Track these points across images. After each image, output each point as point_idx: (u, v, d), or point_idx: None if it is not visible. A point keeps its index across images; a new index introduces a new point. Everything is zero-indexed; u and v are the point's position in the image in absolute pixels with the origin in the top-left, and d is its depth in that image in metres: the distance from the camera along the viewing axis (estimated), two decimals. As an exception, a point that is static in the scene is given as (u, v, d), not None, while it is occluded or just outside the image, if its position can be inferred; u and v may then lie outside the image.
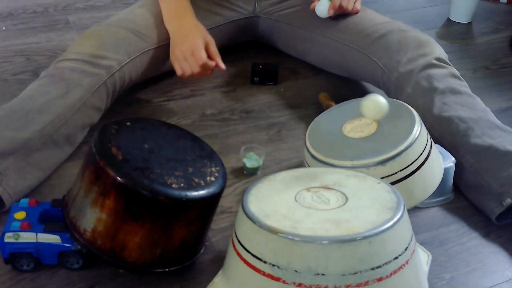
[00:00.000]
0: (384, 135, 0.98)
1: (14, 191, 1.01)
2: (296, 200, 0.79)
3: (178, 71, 1.25)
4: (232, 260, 0.79)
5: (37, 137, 1.05)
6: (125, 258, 0.82)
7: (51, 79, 1.14)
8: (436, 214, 1.07)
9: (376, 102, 0.98)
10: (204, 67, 1.22)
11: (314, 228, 0.71)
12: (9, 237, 0.87)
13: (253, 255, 0.74)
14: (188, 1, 1.31)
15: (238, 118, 1.32)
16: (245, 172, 1.15)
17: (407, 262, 0.73)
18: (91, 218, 0.81)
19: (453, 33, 1.81)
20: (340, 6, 1.32)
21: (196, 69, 1.22)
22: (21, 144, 1.03)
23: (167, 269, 0.86)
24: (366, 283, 0.70)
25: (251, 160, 1.14)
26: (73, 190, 0.87)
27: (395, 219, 0.72)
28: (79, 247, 0.84)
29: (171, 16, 1.29)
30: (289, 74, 1.50)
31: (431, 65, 1.20)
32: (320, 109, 1.33)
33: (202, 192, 0.83)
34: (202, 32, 1.26)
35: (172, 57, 1.25)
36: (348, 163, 0.94)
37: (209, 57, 1.25)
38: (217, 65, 1.25)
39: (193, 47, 1.22)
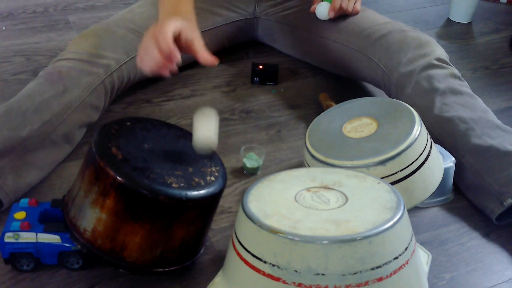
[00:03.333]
0: (384, 135, 0.98)
1: (12, 190, 1.01)
2: (296, 200, 0.79)
3: (138, 60, 0.99)
4: (232, 260, 0.79)
5: (34, 136, 1.05)
6: (125, 258, 0.82)
7: (49, 78, 1.13)
8: (436, 214, 1.07)
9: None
10: (165, 55, 0.94)
11: (314, 228, 0.71)
12: (9, 237, 0.87)
13: (253, 255, 0.74)
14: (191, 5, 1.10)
15: (238, 118, 1.32)
16: (245, 172, 1.15)
17: (407, 262, 0.73)
18: (91, 218, 0.81)
19: (453, 33, 1.81)
20: (340, 7, 1.32)
21: (155, 56, 0.94)
22: (18, 143, 1.03)
23: (167, 269, 0.86)
24: (366, 283, 0.70)
25: (251, 160, 1.14)
26: (73, 190, 0.87)
27: (395, 219, 0.72)
28: (79, 247, 0.84)
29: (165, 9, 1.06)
30: (289, 74, 1.50)
31: (431, 66, 1.20)
32: (320, 109, 1.33)
33: (202, 192, 0.83)
34: (179, 20, 0.99)
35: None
36: (348, 163, 0.94)
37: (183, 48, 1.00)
38: (200, 58, 1.00)
39: (159, 29, 0.95)
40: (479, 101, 1.17)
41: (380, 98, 1.12)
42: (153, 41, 0.95)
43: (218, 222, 1.03)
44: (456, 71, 1.22)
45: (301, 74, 1.51)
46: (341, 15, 1.36)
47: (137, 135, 0.88)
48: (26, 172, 1.04)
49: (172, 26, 0.96)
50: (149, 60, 0.96)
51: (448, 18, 1.90)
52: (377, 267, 0.70)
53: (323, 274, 0.69)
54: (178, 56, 0.96)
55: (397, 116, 1.00)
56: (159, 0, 1.16)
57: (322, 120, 1.07)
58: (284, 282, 0.71)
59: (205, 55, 0.99)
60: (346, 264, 0.69)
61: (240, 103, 1.38)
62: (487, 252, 0.99)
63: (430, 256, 0.91)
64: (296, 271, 0.70)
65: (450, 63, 1.24)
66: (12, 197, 1.01)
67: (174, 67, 0.97)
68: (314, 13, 1.36)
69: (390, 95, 1.27)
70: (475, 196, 1.08)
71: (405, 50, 1.23)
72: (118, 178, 0.78)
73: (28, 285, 0.89)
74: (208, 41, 1.43)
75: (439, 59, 1.22)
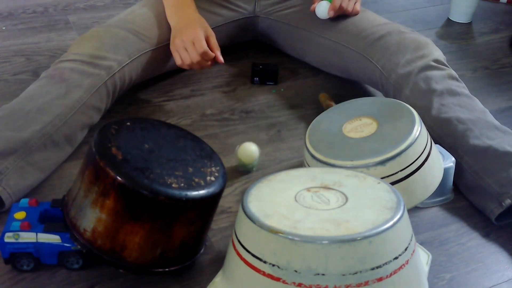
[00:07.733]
0: (384, 135, 0.98)
1: (13, 191, 1.01)
2: (296, 200, 0.79)
3: (178, 60, 1.25)
4: (232, 260, 0.79)
5: (37, 137, 1.05)
6: (125, 258, 0.82)
7: (51, 79, 1.14)
8: (436, 214, 1.07)
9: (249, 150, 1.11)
10: (204, 56, 1.23)
11: (314, 228, 0.71)
12: (9, 237, 0.87)
13: (253, 255, 0.74)
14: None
15: (238, 118, 1.32)
16: (240, 169, 1.14)
17: (407, 262, 0.73)
18: (91, 218, 0.81)
19: (453, 33, 1.81)
20: (340, 7, 1.32)
21: (196, 58, 1.22)
22: (21, 144, 1.03)
23: (167, 269, 0.86)
24: (366, 283, 0.70)
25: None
26: (73, 190, 0.87)
27: (395, 219, 0.72)
28: (79, 247, 0.84)
29: (173, 11, 1.30)
30: (289, 74, 1.50)
31: (429, 67, 1.20)
32: (320, 109, 1.33)
33: (202, 192, 0.83)
34: (203, 24, 1.27)
35: (172, 46, 1.26)
36: (348, 163, 0.94)
37: (209, 49, 1.25)
38: (216, 58, 1.25)
39: (194, 36, 1.22)
40: (477, 102, 1.17)
41: (380, 98, 1.12)
42: (190, 44, 1.22)
43: (218, 222, 1.03)
44: (453, 73, 1.22)
45: (301, 74, 1.51)
46: (341, 15, 1.36)
47: (137, 135, 0.88)
48: (28, 173, 1.04)
49: (203, 32, 1.24)
50: (187, 58, 1.23)
51: (448, 18, 1.90)
52: (377, 267, 0.70)
53: (323, 274, 0.70)
54: (212, 55, 1.24)
55: (397, 116, 1.00)
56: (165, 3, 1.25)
57: (322, 120, 1.07)
58: (284, 282, 0.71)
59: (219, 55, 1.25)
60: (346, 264, 0.69)
61: (240, 103, 1.38)
62: (487, 252, 0.99)
63: (430, 256, 0.91)
64: (296, 271, 0.70)
65: (448, 64, 1.24)
66: (14, 198, 1.01)
67: (208, 64, 1.25)
68: (314, 12, 1.36)
69: (387, 96, 1.27)
70: (474, 196, 1.08)
71: (403, 52, 1.23)
72: (118, 178, 0.78)
73: (28, 285, 0.89)
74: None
75: (436, 61, 1.22)
